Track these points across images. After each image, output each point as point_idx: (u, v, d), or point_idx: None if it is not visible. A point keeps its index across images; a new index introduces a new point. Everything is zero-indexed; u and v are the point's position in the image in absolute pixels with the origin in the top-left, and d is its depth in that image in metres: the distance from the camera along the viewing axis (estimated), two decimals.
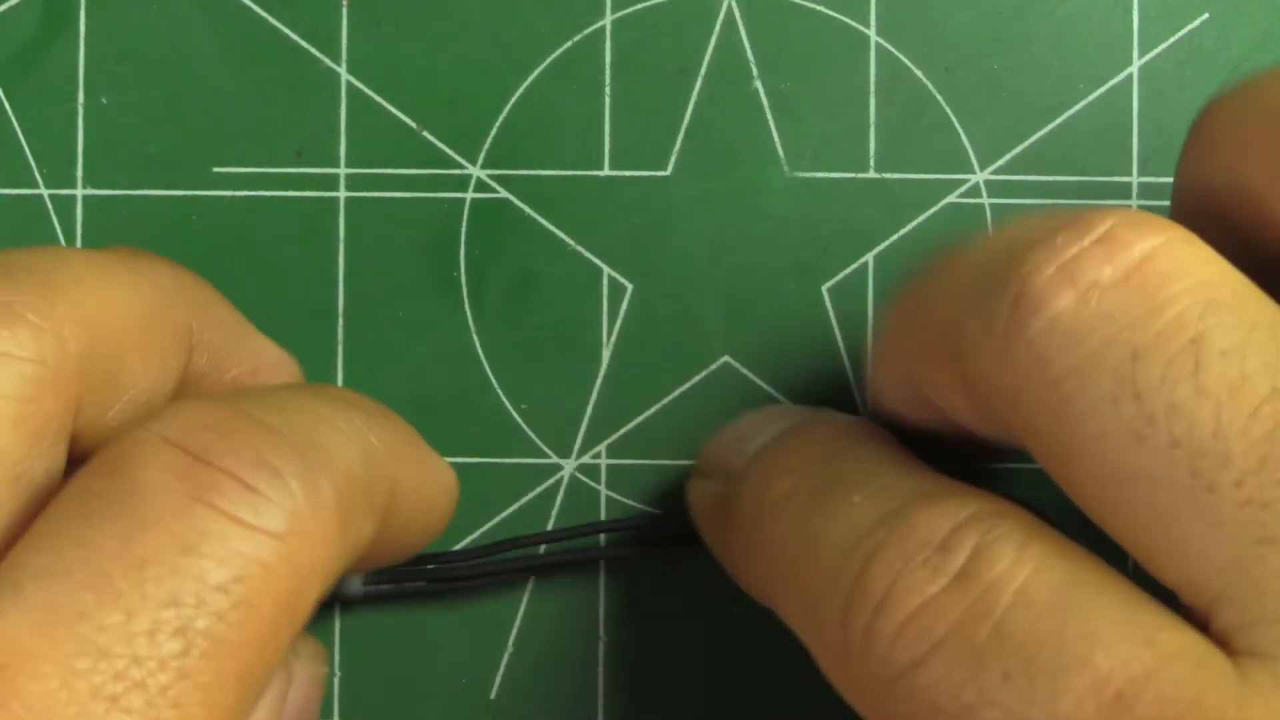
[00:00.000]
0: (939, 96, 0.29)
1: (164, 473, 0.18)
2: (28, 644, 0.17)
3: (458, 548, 0.28)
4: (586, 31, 0.29)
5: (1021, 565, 0.19)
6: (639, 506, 0.29)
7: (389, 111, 0.29)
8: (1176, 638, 0.18)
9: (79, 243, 0.29)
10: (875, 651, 0.20)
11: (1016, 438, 0.20)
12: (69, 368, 0.19)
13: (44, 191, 0.29)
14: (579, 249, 0.29)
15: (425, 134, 0.29)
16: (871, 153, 0.29)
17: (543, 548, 0.28)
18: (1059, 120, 0.29)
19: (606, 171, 0.29)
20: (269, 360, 0.25)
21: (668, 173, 0.29)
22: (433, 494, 0.24)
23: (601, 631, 0.29)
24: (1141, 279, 0.19)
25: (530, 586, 0.29)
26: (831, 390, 0.29)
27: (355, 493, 0.20)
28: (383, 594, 0.28)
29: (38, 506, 0.19)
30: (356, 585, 0.27)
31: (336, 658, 0.29)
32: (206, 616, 0.17)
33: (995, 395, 0.20)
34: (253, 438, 0.18)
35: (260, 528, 0.18)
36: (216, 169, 0.29)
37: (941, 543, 0.20)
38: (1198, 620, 0.19)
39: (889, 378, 0.24)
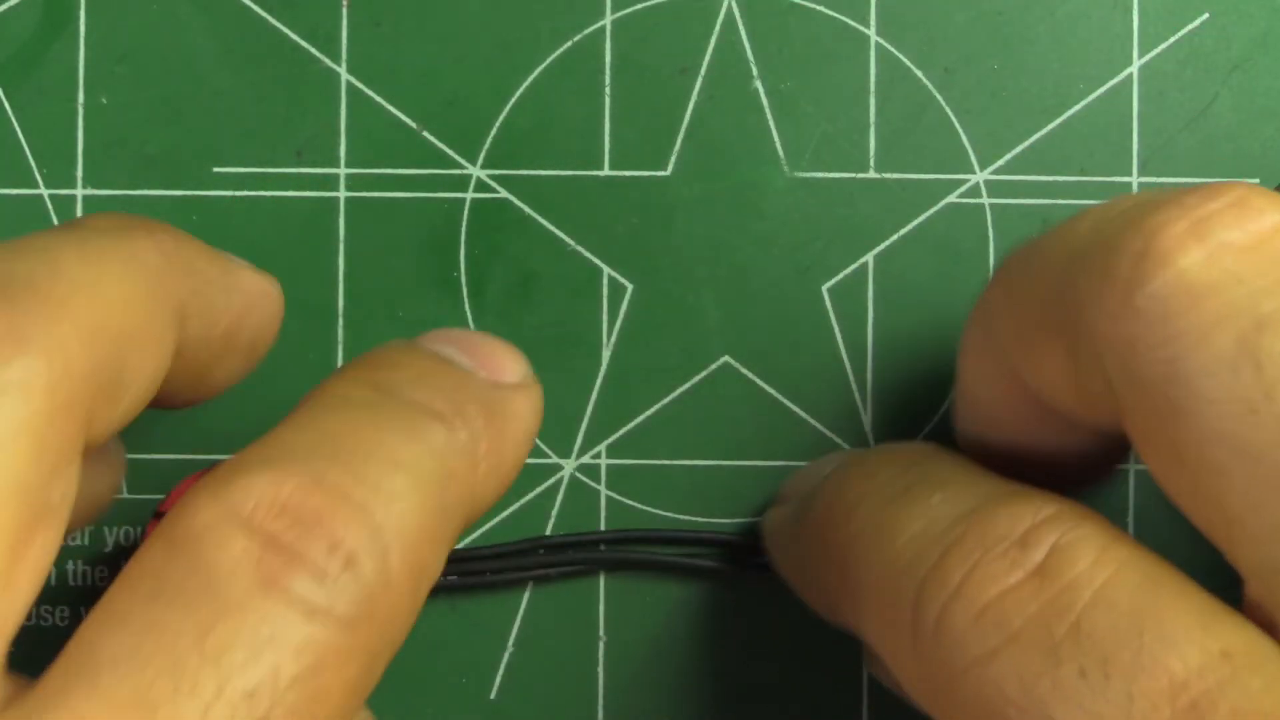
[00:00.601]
0: (939, 96, 0.29)
1: (237, 558, 0.18)
2: None
3: (462, 546, 0.28)
4: (586, 31, 0.29)
5: (1102, 567, 0.19)
6: (639, 506, 0.29)
7: (389, 111, 0.29)
8: (1254, 648, 0.18)
9: None
10: (948, 639, 0.20)
11: (1115, 414, 0.20)
12: (80, 387, 0.19)
13: (44, 191, 0.29)
14: (579, 249, 0.29)
15: (425, 134, 0.29)
16: (871, 153, 0.29)
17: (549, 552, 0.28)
18: (1059, 120, 0.29)
19: (606, 171, 0.29)
20: (254, 296, 0.24)
21: (668, 173, 0.29)
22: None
23: (601, 631, 0.29)
24: (1275, 248, 0.18)
25: (530, 586, 0.29)
26: (832, 390, 0.29)
27: (428, 544, 0.19)
28: None
29: (60, 528, 0.18)
30: None
31: None
32: (282, 708, 0.17)
33: (1108, 351, 0.19)
34: (325, 516, 0.18)
35: (334, 615, 0.18)
36: (216, 169, 0.29)
37: (1021, 538, 0.20)
38: (1263, 619, 0.19)
39: (979, 368, 0.23)
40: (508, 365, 0.22)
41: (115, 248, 0.20)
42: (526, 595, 0.29)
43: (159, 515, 0.24)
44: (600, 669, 0.29)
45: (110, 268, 0.20)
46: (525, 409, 0.22)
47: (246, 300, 0.23)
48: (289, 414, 0.20)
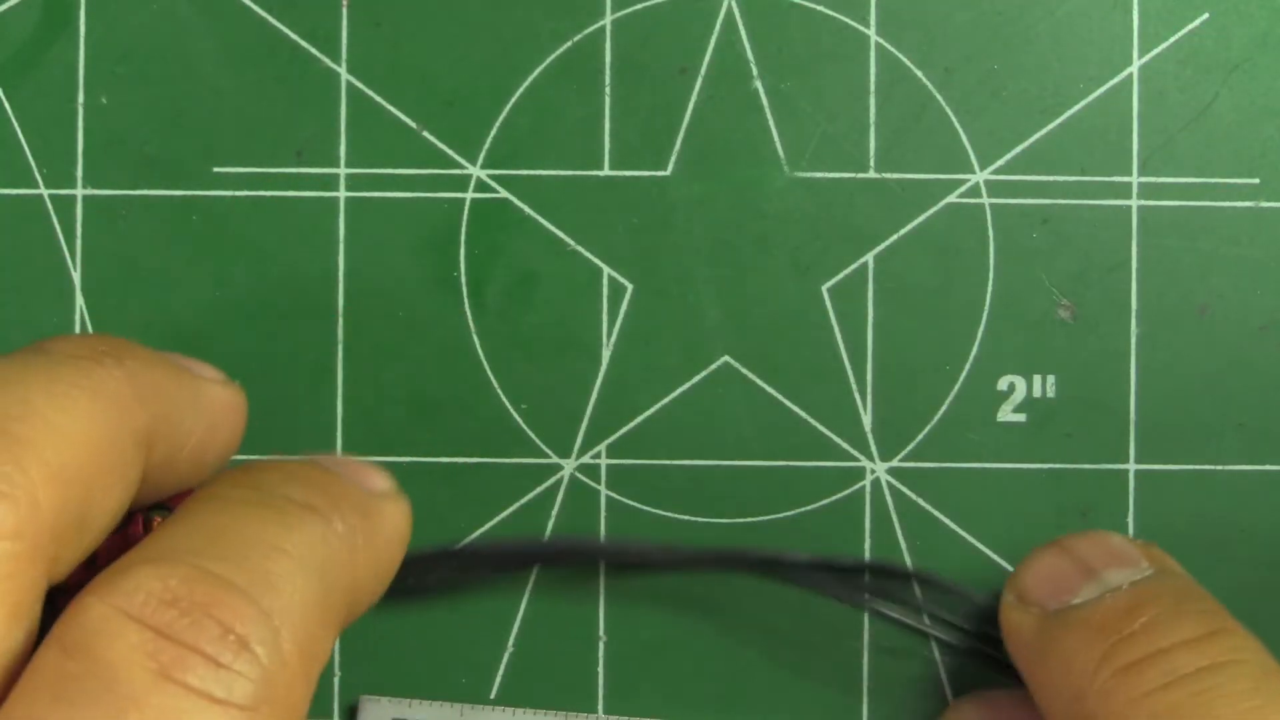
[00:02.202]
0: (939, 96, 0.29)
1: (132, 652, 0.18)
2: None
3: (462, 546, 0.28)
4: (586, 31, 0.29)
5: None
6: (639, 506, 0.29)
7: (389, 111, 0.29)
8: None
9: (79, 243, 0.29)
10: None
11: None
12: (45, 533, 0.19)
13: (44, 191, 0.29)
14: (579, 249, 0.29)
15: (425, 134, 0.29)
16: (871, 153, 0.29)
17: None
18: (1059, 120, 0.29)
19: (606, 171, 0.29)
20: (219, 411, 0.24)
21: (668, 173, 0.29)
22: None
23: (601, 631, 0.29)
24: None
25: (530, 587, 0.29)
26: (832, 390, 0.29)
27: (316, 626, 0.20)
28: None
29: (16, 673, 0.18)
30: None
31: (337, 658, 0.29)
32: None
33: None
34: (213, 606, 0.18)
35: (233, 703, 0.18)
36: (216, 169, 0.29)
37: None
38: None
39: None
40: (375, 478, 0.23)
41: (84, 382, 0.20)
42: (526, 595, 0.29)
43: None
44: (600, 669, 0.29)
45: (79, 405, 0.20)
46: (396, 515, 0.23)
47: (212, 418, 0.23)
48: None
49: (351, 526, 0.21)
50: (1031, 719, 0.25)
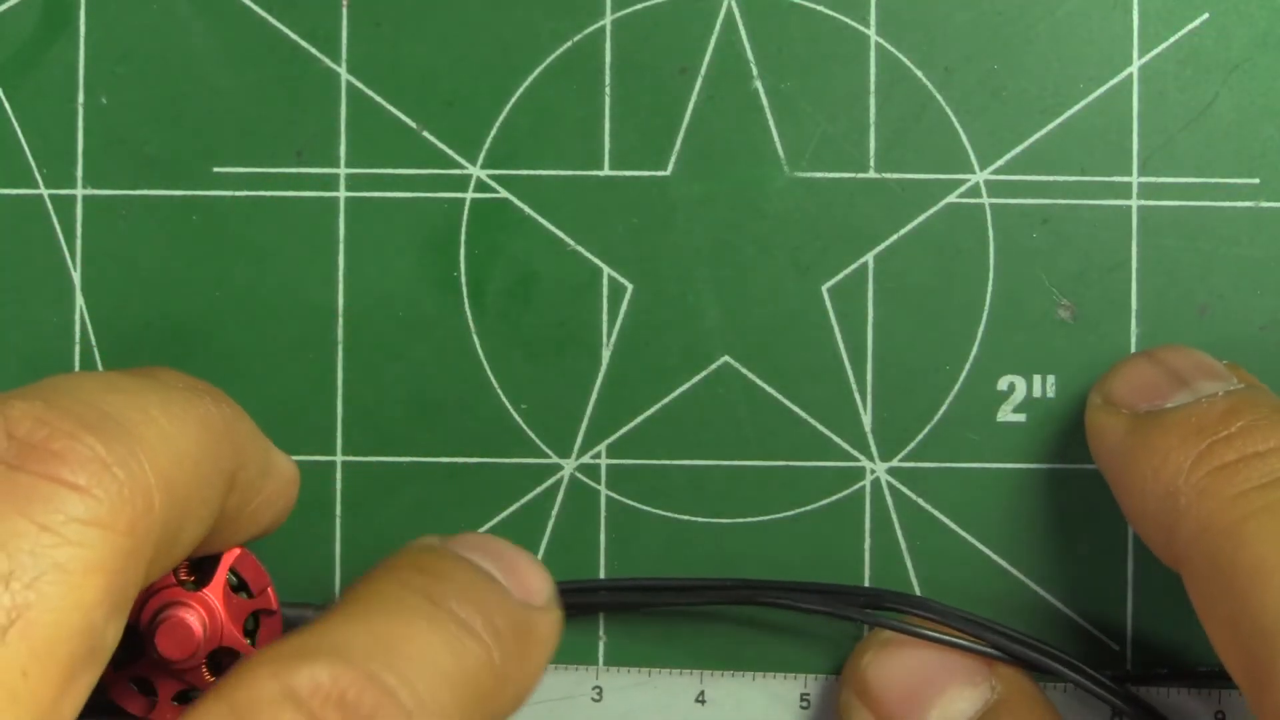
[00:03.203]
0: (939, 96, 0.29)
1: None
2: None
3: None
4: (586, 31, 0.29)
5: None
6: (639, 506, 0.29)
7: (389, 111, 0.29)
8: None
9: (79, 243, 0.29)
10: None
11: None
12: (152, 535, 0.19)
13: (44, 191, 0.29)
14: (579, 249, 0.29)
15: (425, 134, 0.29)
16: (871, 153, 0.29)
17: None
18: (1059, 120, 0.29)
19: (606, 171, 0.29)
20: (285, 483, 0.25)
21: (668, 173, 0.29)
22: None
23: (601, 631, 0.29)
24: None
25: None
26: (832, 390, 0.29)
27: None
28: None
29: (103, 667, 0.19)
30: None
31: None
32: None
33: None
34: (375, 715, 0.19)
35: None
36: (216, 169, 0.29)
37: None
38: None
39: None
40: (536, 586, 0.23)
41: (192, 411, 0.21)
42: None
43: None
44: (600, 666, 0.29)
45: (188, 427, 0.21)
46: (549, 633, 0.23)
47: (278, 486, 0.24)
48: (345, 601, 0.21)
49: (507, 654, 0.21)
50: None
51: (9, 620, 0.18)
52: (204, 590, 0.25)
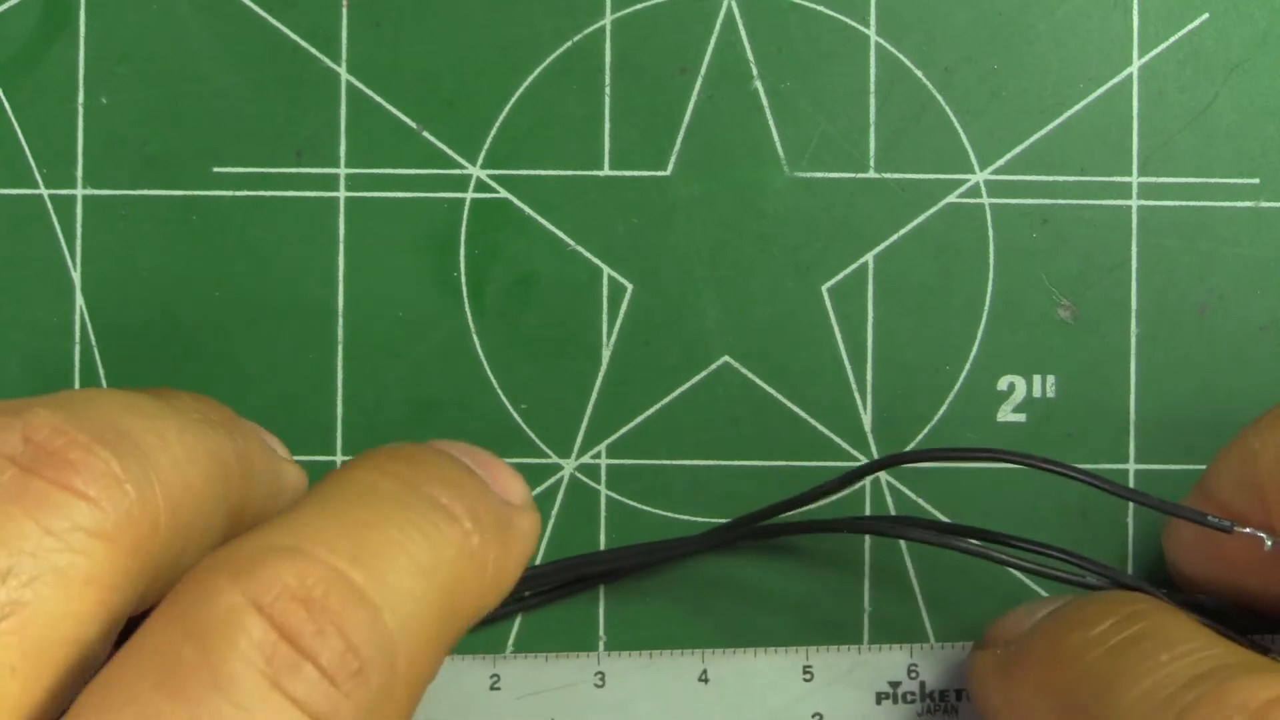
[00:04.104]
0: (939, 96, 0.29)
1: (251, 651, 0.18)
2: None
3: None
4: (586, 31, 0.29)
5: None
6: (639, 506, 0.29)
7: (389, 111, 0.29)
8: None
9: (79, 243, 0.29)
10: None
11: None
12: (153, 559, 0.19)
13: (44, 191, 0.29)
14: (579, 249, 0.29)
15: (425, 134, 0.29)
16: (871, 153, 0.29)
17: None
18: (1059, 120, 0.29)
19: (606, 171, 0.29)
20: (292, 491, 0.24)
21: (668, 173, 0.29)
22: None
23: (601, 631, 0.29)
24: None
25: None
26: (832, 390, 0.29)
27: (435, 648, 0.20)
28: None
29: (85, 683, 0.19)
30: None
31: None
32: None
33: None
34: (343, 618, 0.19)
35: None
36: (216, 169, 0.29)
37: (1259, 710, 0.20)
38: None
39: (1230, 497, 0.25)
40: (514, 488, 0.23)
41: (205, 443, 0.21)
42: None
43: None
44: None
45: (200, 459, 0.20)
46: (529, 529, 0.22)
47: (288, 499, 0.24)
48: (314, 491, 0.21)
49: (487, 542, 0.21)
50: None
51: (1, 615, 0.18)
52: None
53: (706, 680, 0.28)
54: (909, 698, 0.27)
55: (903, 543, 0.29)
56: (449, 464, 0.22)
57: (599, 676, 0.28)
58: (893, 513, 0.29)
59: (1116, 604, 0.24)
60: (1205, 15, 0.29)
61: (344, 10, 0.29)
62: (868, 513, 0.29)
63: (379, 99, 0.29)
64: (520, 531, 0.22)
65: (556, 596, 0.29)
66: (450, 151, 0.29)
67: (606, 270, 0.29)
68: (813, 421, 0.29)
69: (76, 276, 0.29)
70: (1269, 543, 0.24)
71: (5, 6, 0.29)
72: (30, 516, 0.18)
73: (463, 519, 0.21)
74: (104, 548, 0.18)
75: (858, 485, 0.29)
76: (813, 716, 0.28)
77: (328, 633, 0.18)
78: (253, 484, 0.22)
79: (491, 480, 0.22)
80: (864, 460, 0.29)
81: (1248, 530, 0.24)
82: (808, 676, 0.28)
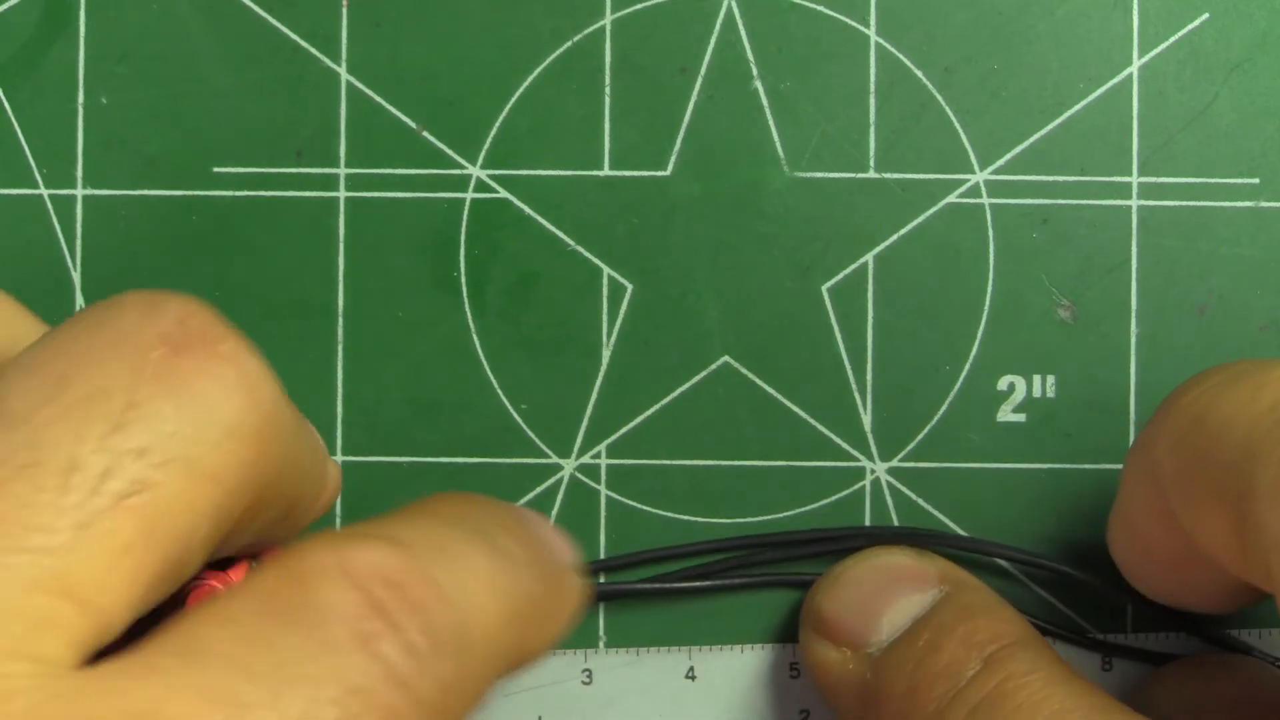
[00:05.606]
0: (939, 96, 0.29)
1: (345, 606, 0.18)
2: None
3: None
4: (586, 31, 0.29)
5: None
6: (639, 506, 0.29)
7: (389, 111, 0.29)
8: None
9: (79, 243, 0.29)
10: None
11: (1267, 580, 0.21)
12: (265, 480, 0.20)
13: (44, 191, 0.29)
14: (579, 249, 0.29)
15: (425, 134, 0.29)
16: (871, 153, 0.29)
17: None
18: (1059, 120, 0.29)
19: (606, 171, 0.29)
20: (333, 489, 0.25)
21: (668, 173, 0.29)
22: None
23: (601, 631, 0.29)
24: None
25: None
26: (832, 390, 0.29)
27: (495, 667, 0.20)
28: None
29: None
30: None
31: None
32: None
33: (1274, 545, 0.20)
34: (428, 607, 0.19)
35: (417, 692, 0.18)
36: (216, 169, 0.29)
37: None
38: None
39: (1138, 499, 0.24)
40: (564, 550, 0.23)
41: (310, 428, 0.22)
42: None
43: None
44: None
45: (303, 442, 0.21)
46: (575, 593, 0.23)
47: (329, 494, 0.24)
48: (400, 509, 0.21)
49: (547, 591, 0.22)
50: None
51: (130, 490, 0.18)
52: (228, 570, 0.26)
53: (694, 677, 0.28)
54: None
55: None
56: (511, 517, 0.23)
57: (586, 674, 0.28)
58: (893, 514, 0.29)
59: (975, 647, 0.25)
60: (1205, 15, 0.29)
61: (344, 10, 0.29)
62: (867, 513, 0.29)
63: (379, 99, 0.29)
64: (570, 588, 0.23)
65: None
66: (450, 151, 0.29)
67: (606, 270, 0.29)
68: (813, 421, 0.29)
69: (76, 276, 0.29)
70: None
71: (5, 6, 0.29)
72: (172, 399, 0.18)
73: (526, 567, 0.21)
74: (234, 448, 0.19)
75: (858, 486, 0.29)
76: (800, 713, 0.28)
77: (413, 614, 0.19)
78: (305, 480, 0.23)
79: (546, 541, 0.23)
80: (863, 460, 0.29)
81: None
82: (794, 674, 0.28)
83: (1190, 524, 0.22)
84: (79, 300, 0.29)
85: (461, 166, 0.29)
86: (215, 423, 0.19)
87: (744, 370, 0.29)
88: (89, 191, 0.29)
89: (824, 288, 0.29)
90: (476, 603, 0.20)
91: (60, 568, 0.17)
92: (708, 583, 0.28)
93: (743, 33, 0.29)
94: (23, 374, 0.18)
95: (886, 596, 0.26)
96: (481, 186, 0.29)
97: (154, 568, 0.18)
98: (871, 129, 0.29)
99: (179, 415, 0.18)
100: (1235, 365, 0.22)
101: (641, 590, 0.28)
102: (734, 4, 0.29)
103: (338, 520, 0.29)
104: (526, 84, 0.29)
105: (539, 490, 0.29)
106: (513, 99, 0.29)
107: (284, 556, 0.19)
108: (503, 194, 0.29)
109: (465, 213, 0.29)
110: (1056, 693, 0.23)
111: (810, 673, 0.27)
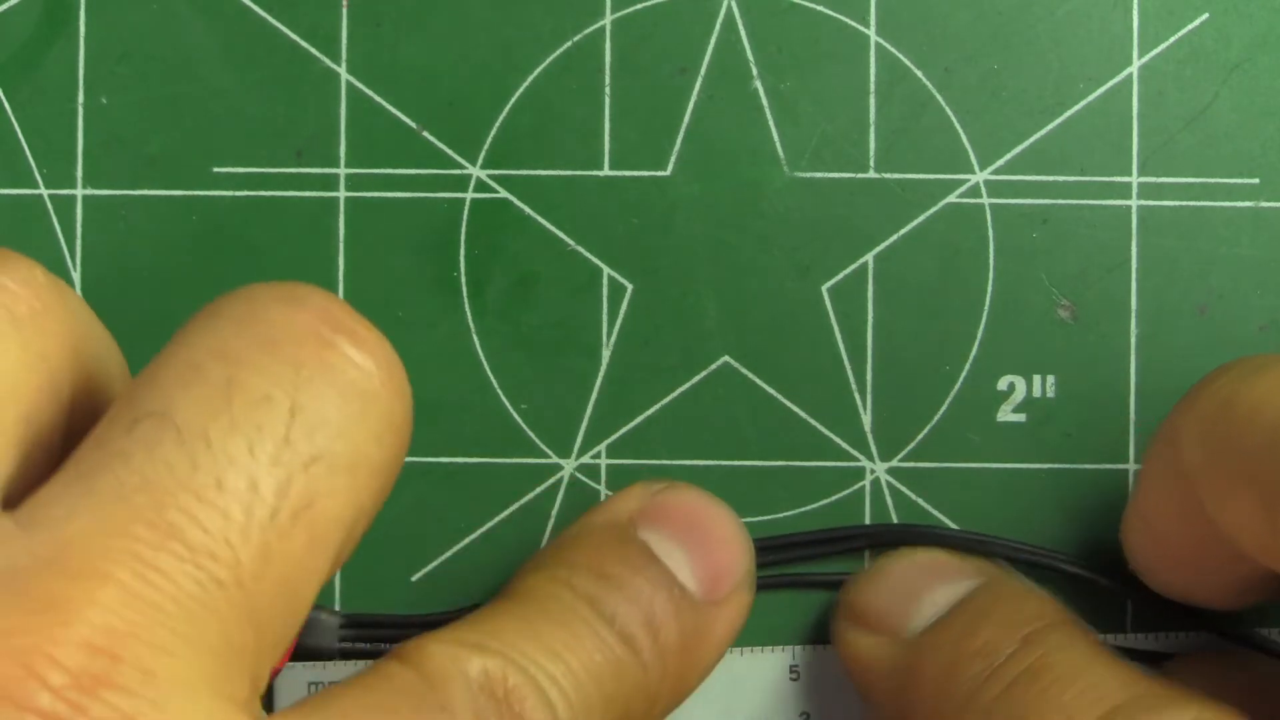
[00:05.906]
0: (939, 96, 0.29)
1: (464, 693, 0.19)
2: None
3: (452, 555, 0.28)
4: (586, 31, 0.29)
5: None
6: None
7: (389, 111, 0.29)
8: None
9: (79, 243, 0.29)
10: None
11: None
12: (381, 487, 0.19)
13: (44, 191, 0.29)
14: (579, 249, 0.29)
15: (425, 134, 0.29)
16: (871, 153, 0.29)
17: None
18: (1059, 120, 0.29)
19: (606, 171, 0.29)
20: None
21: (668, 173, 0.29)
22: None
23: None
24: None
25: None
26: (832, 390, 0.29)
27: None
28: (359, 652, 0.28)
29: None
30: (332, 639, 0.27)
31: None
32: None
33: None
34: (527, 707, 0.20)
35: None
36: (216, 169, 0.29)
37: None
38: None
39: (1160, 489, 0.24)
40: (728, 565, 0.23)
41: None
42: None
43: None
44: None
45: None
46: (727, 630, 0.23)
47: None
48: (513, 594, 0.22)
49: (666, 674, 0.22)
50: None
51: (304, 504, 0.17)
52: None
53: None
54: None
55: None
56: (644, 579, 0.22)
57: None
58: (893, 514, 0.29)
59: (1013, 627, 0.24)
60: (1205, 15, 0.29)
61: (344, 10, 0.29)
62: (867, 513, 0.29)
63: (379, 99, 0.29)
64: (713, 639, 0.23)
65: None
66: (450, 151, 0.29)
67: (606, 270, 0.29)
68: (813, 421, 0.29)
69: (76, 276, 0.29)
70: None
71: (5, 6, 0.29)
72: (333, 399, 0.18)
73: (645, 653, 0.21)
74: (393, 440, 0.18)
75: (858, 486, 0.29)
76: (800, 715, 0.28)
77: (512, 713, 0.19)
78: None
79: (703, 563, 0.23)
80: (863, 460, 0.29)
81: None
82: (794, 676, 0.28)
83: (1218, 513, 0.22)
84: None
85: (461, 166, 0.29)
86: (376, 417, 0.18)
87: (744, 370, 0.29)
88: (89, 191, 0.29)
89: (824, 288, 0.29)
90: (580, 700, 0.20)
91: (249, 603, 0.17)
92: None
93: (742, 33, 0.29)
94: (183, 381, 0.17)
95: (925, 584, 0.26)
96: (481, 186, 0.29)
97: (323, 575, 0.18)
98: (871, 129, 0.29)
99: (342, 414, 0.18)
100: (1260, 356, 0.22)
101: None
102: (734, 4, 0.29)
103: None
104: (526, 84, 0.29)
105: (539, 490, 0.29)
106: (513, 99, 0.29)
107: (411, 654, 0.19)
108: (503, 194, 0.29)
109: (465, 213, 0.29)
110: (1093, 665, 0.23)
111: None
